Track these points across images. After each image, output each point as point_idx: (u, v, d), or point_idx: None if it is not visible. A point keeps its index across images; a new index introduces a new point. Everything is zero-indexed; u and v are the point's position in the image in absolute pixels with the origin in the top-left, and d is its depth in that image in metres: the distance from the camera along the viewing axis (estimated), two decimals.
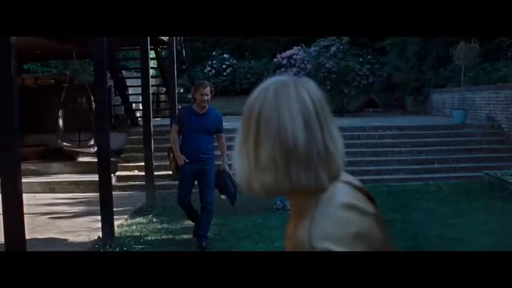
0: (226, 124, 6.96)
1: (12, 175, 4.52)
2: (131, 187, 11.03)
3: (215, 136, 6.82)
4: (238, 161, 1.38)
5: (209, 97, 6.53)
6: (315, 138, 1.33)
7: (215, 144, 6.87)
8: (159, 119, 15.71)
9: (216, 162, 6.99)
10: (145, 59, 8.76)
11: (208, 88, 6.53)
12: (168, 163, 7.25)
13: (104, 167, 6.58)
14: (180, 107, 11.69)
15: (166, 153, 7.57)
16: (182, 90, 18.59)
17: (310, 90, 1.37)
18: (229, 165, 6.74)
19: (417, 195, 9.59)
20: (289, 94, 1.34)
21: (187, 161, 6.58)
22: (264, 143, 1.32)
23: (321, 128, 1.34)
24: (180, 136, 6.76)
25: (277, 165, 1.31)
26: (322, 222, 1.32)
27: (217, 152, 7.04)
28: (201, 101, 6.50)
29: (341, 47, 18.15)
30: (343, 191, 1.40)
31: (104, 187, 6.56)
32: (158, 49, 12.63)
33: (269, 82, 1.39)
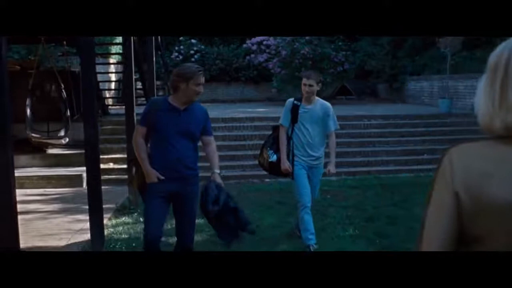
0: None
1: (4, 180, 3.83)
2: (107, 182, 10.17)
3: (200, 141, 4.92)
4: (482, 101, 1.53)
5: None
6: None
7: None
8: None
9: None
10: (128, 43, 8.04)
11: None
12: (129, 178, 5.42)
13: (94, 164, 5.84)
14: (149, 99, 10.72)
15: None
16: None
17: None
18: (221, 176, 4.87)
19: (414, 188, 9.15)
20: None
21: (162, 178, 4.61)
22: (510, 86, 1.46)
23: None
24: (149, 144, 4.81)
25: None
26: (473, 147, 1.53)
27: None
28: (195, 94, 4.59)
29: None
30: None
31: (94, 187, 5.84)
32: None
33: None
